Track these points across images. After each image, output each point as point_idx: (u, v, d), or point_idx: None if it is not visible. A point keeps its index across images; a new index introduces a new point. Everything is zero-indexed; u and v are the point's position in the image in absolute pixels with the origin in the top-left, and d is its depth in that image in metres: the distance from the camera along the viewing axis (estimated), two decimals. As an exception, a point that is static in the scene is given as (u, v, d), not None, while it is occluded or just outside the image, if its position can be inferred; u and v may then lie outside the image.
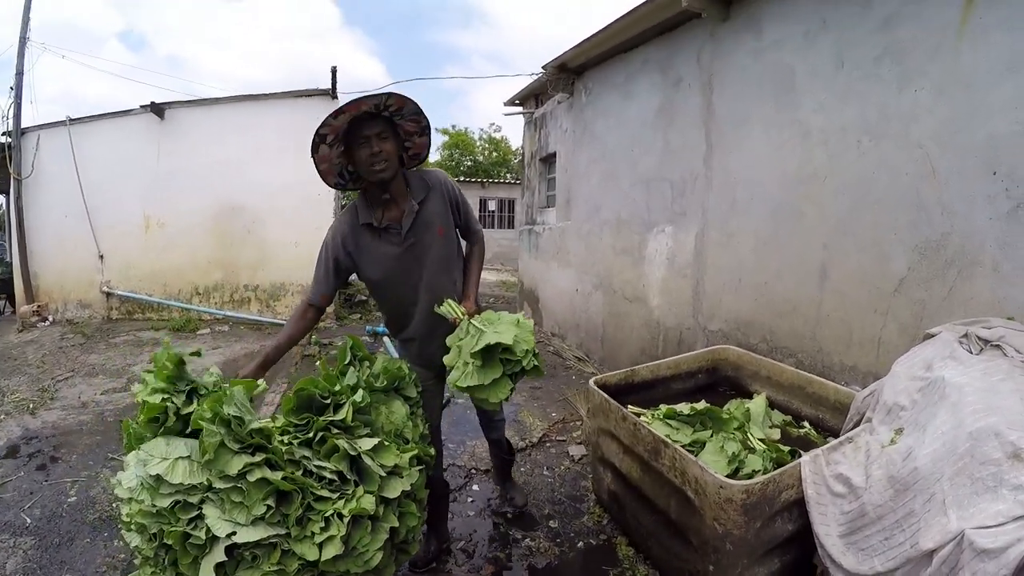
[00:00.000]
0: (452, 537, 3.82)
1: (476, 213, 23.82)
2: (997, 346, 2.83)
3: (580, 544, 3.81)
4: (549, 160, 9.97)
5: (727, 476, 2.92)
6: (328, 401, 2.59)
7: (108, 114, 10.11)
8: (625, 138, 6.76)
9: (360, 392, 2.65)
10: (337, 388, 2.63)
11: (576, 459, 4.94)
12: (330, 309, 10.55)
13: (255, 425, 2.35)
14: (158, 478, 2.17)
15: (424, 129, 2.97)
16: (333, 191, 10.41)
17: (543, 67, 8.19)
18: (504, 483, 4.27)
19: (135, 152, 10.07)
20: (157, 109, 9.84)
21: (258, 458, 2.27)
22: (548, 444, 5.29)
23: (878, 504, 2.49)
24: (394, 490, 2.53)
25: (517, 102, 11.57)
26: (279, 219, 10.38)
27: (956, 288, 3.28)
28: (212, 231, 10.36)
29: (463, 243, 3.34)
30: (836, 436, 3.53)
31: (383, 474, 2.52)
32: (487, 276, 19.82)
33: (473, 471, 4.78)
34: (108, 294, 10.29)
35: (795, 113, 4.31)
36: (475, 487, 4.54)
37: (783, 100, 4.42)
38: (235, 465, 2.22)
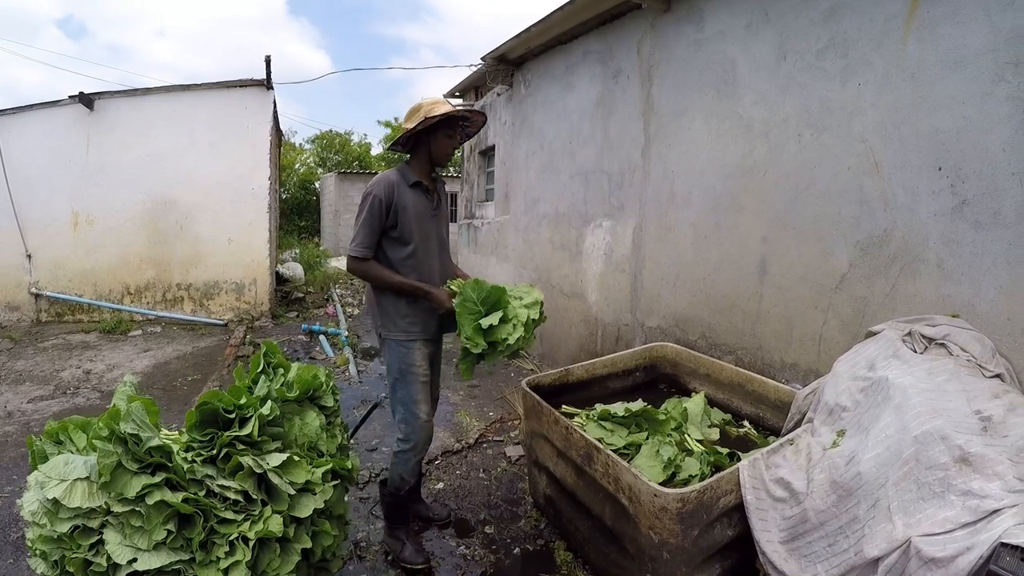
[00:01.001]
0: (382, 548, 3.71)
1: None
2: (942, 344, 2.78)
3: (517, 550, 3.71)
4: (488, 153, 9.85)
5: (663, 482, 2.83)
6: (233, 415, 2.44)
7: (35, 105, 9.45)
8: (564, 130, 6.65)
9: (268, 404, 2.50)
10: (243, 401, 2.48)
11: (513, 460, 4.83)
12: (265, 307, 10.42)
13: (154, 443, 2.22)
14: (56, 502, 2.08)
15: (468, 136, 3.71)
16: (268, 186, 10.21)
17: (482, 58, 8.02)
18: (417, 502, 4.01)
19: (64, 146, 9.55)
20: (86, 100, 9.32)
21: (158, 478, 2.17)
22: (485, 445, 5.17)
23: (820, 510, 2.41)
24: (305, 509, 2.43)
25: (457, 94, 11.40)
26: (212, 215, 10.04)
27: (899, 285, 3.22)
28: (144, 227, 9.89)
29: None
30: (777, 435, 3.48)
31: (292, 492, 2.41)
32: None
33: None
34: (37, 296, 9.69)
35: (736, 105, 4.22)
36: None
37: (724, 92, 4.34)
38: (133, 487, 2.12)
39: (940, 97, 3.00)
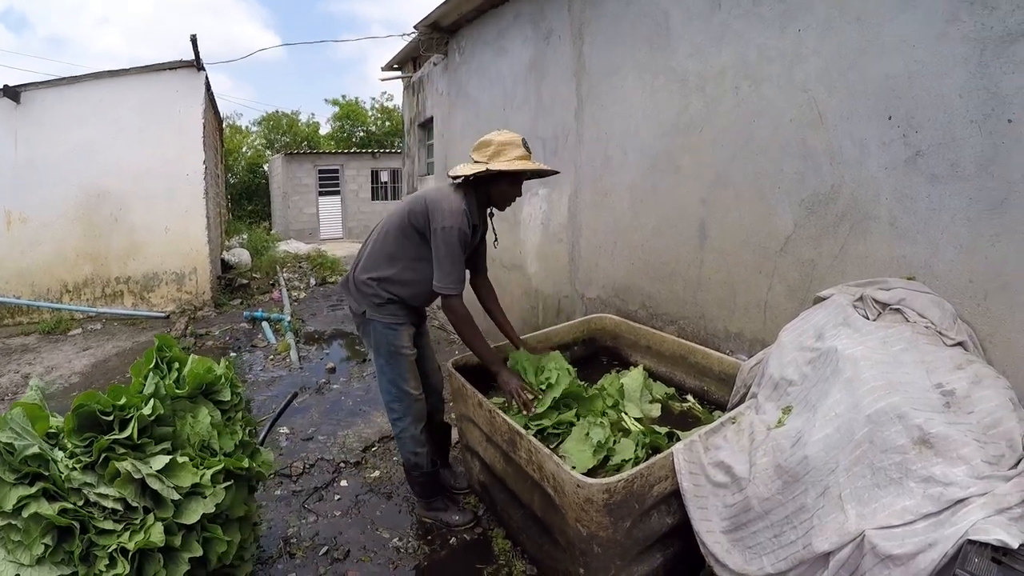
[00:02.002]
0: (318, 540, 3.56)
1: (369, 186, 23.38)
2: (897, 310, 2.50)
3: (452, 540, 3.52)
4: (427, 126, 9.58)
5: (592, 469, 2.64)
6: (111, 417, 2.30)
7: None
8: (498, 97, 6.34)
9: (151, 403, 2.35)
10: (122, 401, 2.33)
11: (453, 443, 4.48)
12: (207, 296, 10.13)
13: (31, 451, 2.11)
14: None
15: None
16: (203, 171, 9.86)
17: (415, 26, 7.69)
18: (449, 464, 4.16)
19: None
20: (11, 93, 8.79)
21: (35, 488, 2.07)
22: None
23: (764, 497, 2.13)
24: (192, 514, 2.28)
25: (396, 66, 10.97)
26: (147, 204, 9.65)
27: (849, 245, 2.92)
28: (78, 221, 9.41)
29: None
30: (723, 410, 3.25)
31: (177, 497, 2.26)
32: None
33: (343, 465, 4.41)
34: None
35: (670, 59, 3.91)
36: (343, 483, 4.18)
37: (657, 46, 4.01)
38: (9, 499, 2.04)
39: (889, 40, 2.68)
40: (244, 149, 30.10)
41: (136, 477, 2.19)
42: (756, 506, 2.14)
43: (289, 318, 8.86)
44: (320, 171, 23.36)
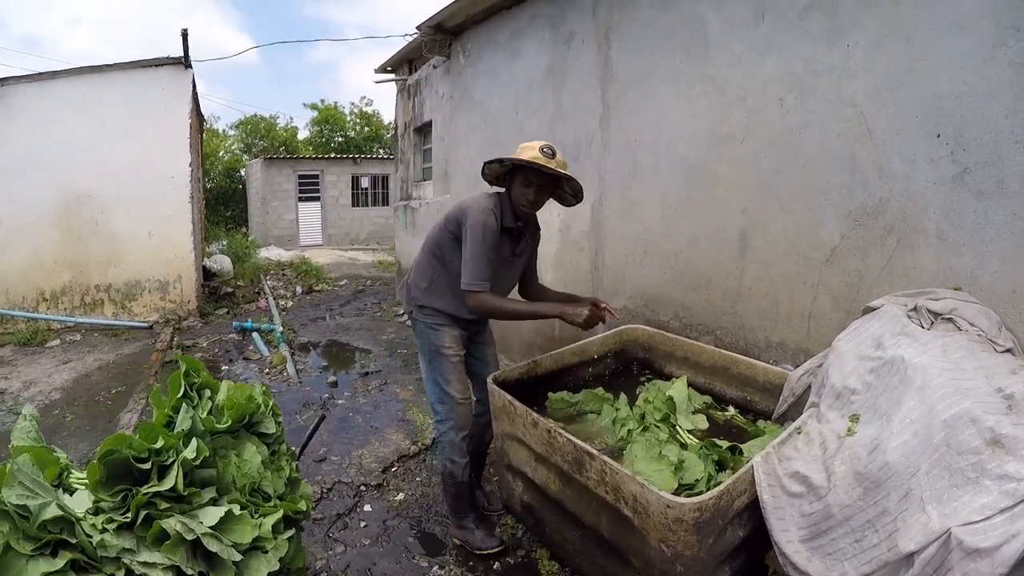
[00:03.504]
0: (351, 573, 3.45)
1: (349, 191, 23.44)
2: (949, 319, 2.67)
3: (496, 564, 3.46)
4: (424, 130, 9.61)
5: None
6: (148, 465, 1.99)
7: None
8: (509, 101, 6.43)
9: (193, 444, 2.06)
10: (159, 444, 2.03)
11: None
12: (192, 306, 9.99)
13: (50, 513, 1.78)
14: None
15: (578, 193, 3.54)
16: (189, 174, 9.72)
17: (417, 27, 7.78)
18: (480, 485, 4.17)
19: None
20: None
21: (60, 561, 1.74)
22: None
23: (845, 504, 2.27)
24: (257, 574, 2.04)
25: (389, 69, 11.04)
26: (129, 207, 9.48)
27: (896, 257, 3.09)
28: (56, 225, 9.19)
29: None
30: (766, 418, 3.38)
31: (237, 557, 1.99)
32: (363, 257, 19.36)
33: (363, 488, 4.32)
34: None
35: (708, 68, 4.05)
36: (367, 507, 4.08)
37: (694, 54, 4.16)
38: None
39: (937, 61, 2.88)
40: (221, 153, 29.96)
41: (189, 538, 1.92)
42: (837, 513, 2.27)
43: (281, 329, 8.80)
44: (300, 176, 23.36)
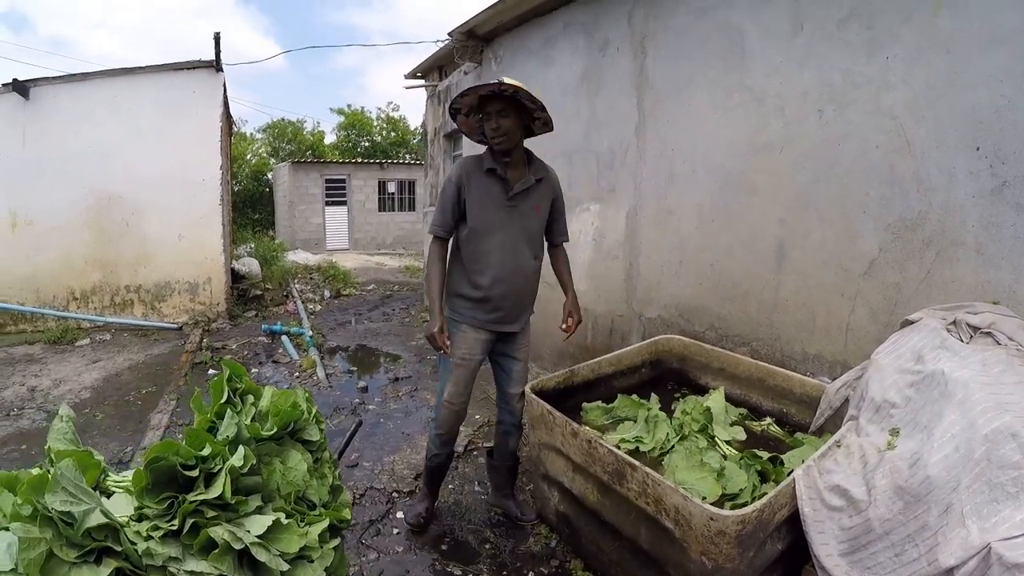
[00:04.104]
0: None
1: (376, 196, 23.45)
2: (988, 333, 2.70)
3: (530, 574, 3.50)
4: (455, 136, 9.66)
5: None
6: (196, 472, 1.98)
7: None
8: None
9: (240, 451, 2.07)
10: (206, 451, 2.03)
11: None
12: (221, 308, 10.10)
13: (94, 520, 1.74)
14: None
15: (543, 108, 3.39)
16: (220, 177, 9.84)
17: (449, 33, 7.84)
18: (511, 495, 4.13)
19: None
20: (20, 88, 8.71)
21: (106, 569, 1.72)
22: (475, 453, 4.95)
23: (886, 518, 2.30)
24: None
25: (419, 75, 11.12)
26: (161, 210, 9.61)
27: (935, 270, 3.13)
28: (88, 226, 9.32)
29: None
30: (803, 431, 3.42)
31: (285, 567, 1.98)
32: (389, 262, 19.43)
33: (395, 495, 4.34)
34: None
35: (745, 77, 4.10)
36: (399, 514, 4.10)
37: (731, 63, 4.21)
38: None
39: (977, 74, 2.92)
40: (248, 156, 30.35)
41: (237, 547, 1.90)
42: (877, 527, 2.30)
43: (311, 333, 8.87)
44: (327, 181, 23.66)
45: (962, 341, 2.70)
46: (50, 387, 6.80)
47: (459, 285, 3.58)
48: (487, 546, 3.75)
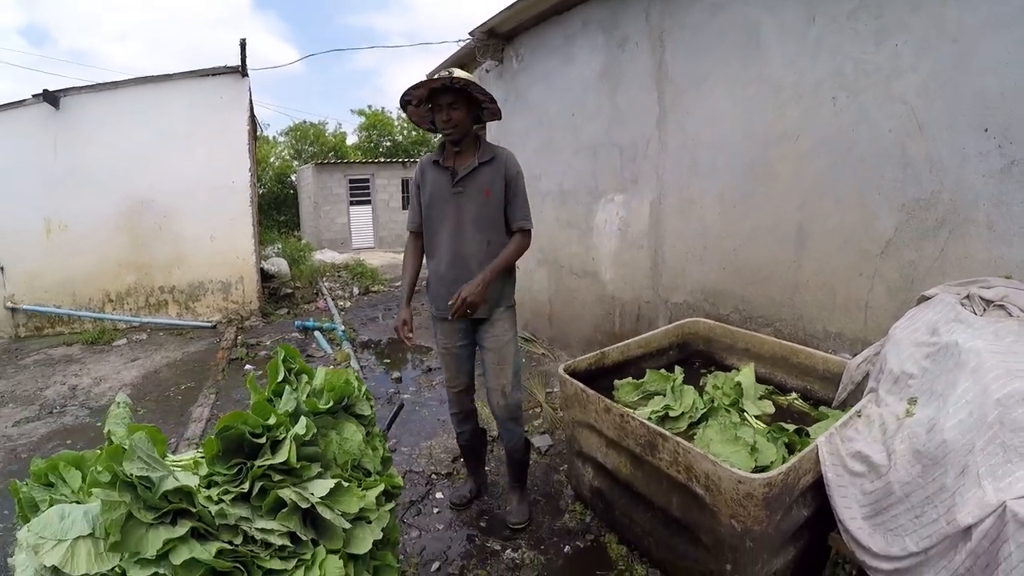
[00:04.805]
0: (427, 555, 3.64)
1: (400, 195, 23.51)
2: (1000, 306, 2.81)
3: (567, 548, 3.64)
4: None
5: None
6: (263, 439, 2.13)
7: None
8: (566, 104, 6.61)
9: (303, 421, 2.22)
10: (272, 420, 2.17)
11: (543, 451, 4.77)
12: (254, 306, 10.32)
13: (170, 484, 1.86)
14: (56, 570, 1.73)
15: (492, 100, 3.51)
16: (249, 180, 10.08)
17: (470, 33, 7.93)
18: (511, 492, 4.06)
19: (30, 148, 9.11)
20: (51, 98, 9.02)
21: (181, 529, 1.84)
22: None
23: (905, 481, 2.43)
24: (363, 543, 2.17)
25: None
26: (192, 212, 9.85)
27: (948, 248, 3.26)
28: (121, 230, 9.67)
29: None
30: (827, 405, 3.52)
31: (347, 525, 2.13)
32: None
33: (434, 476, 4.53)
34: (13, 310, 9.40)
35: (763, 69, 4.22)
36: (439, 495, 4.28)
37: (748, 56, 4.33)
38: (152, 543, 1.78)
39: (984, 59, 3.05)
40: (272, 159, 30.66)
41: (304, 507, 2.04)
42: (897, 490, 2.44)
43: (343, 328, 9.06)
44: (351, 181, 23.88)
45: (975, 314, 2.82)
46: (90, 385, 7.05)
47: (429, 276, 3.73)
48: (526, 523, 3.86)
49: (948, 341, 2.67)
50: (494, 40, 7.88)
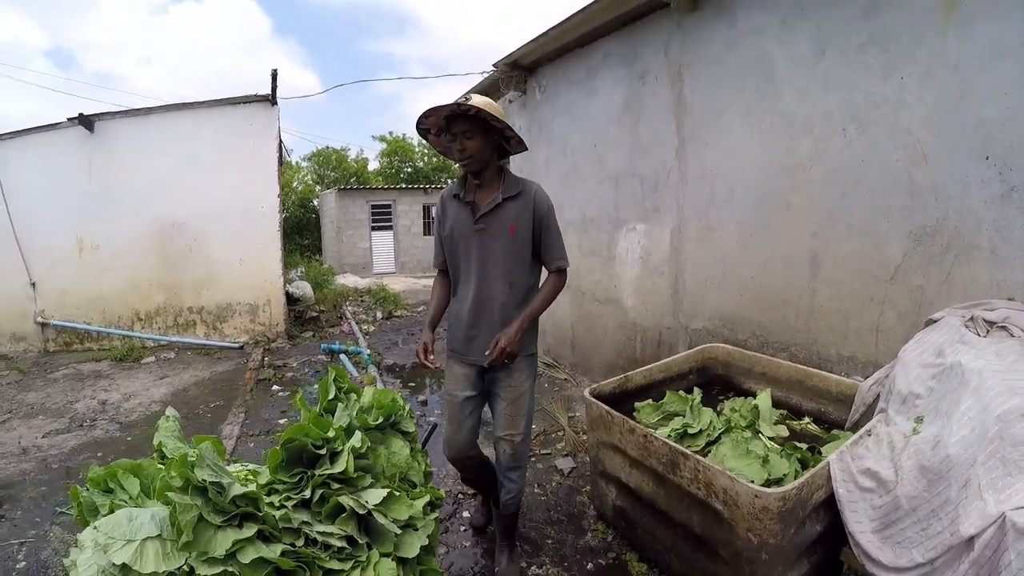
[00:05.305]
0: (454, 571, 3.75)
1: (421, 220, 23.83)
2: (1003, 327, 2.95)
3: (589, 565, 3.76)
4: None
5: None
6: (323, 451, 2.29)
7: (33, 129, 9.45)
8: (588, 135, 6.80)
9: (357, 435, 2.39)
10: (331, 433, 2.33)
11: (566, 473, 4.88)
12: (280, 328, 10.48)
13: (238, 490, 2.01)
14: (125, 568, 1.83)
15: (508, 128, 3.18)
16: (278, 205, 10.33)
17: (494, 65, 8.14)
18: (501, 550, 3.74)
19: (65, 169, 9.49)
20: (86, 122, 9.38)
21: (248, 531, 1.97)
22: (533, 459, 5.16)
23: (912, 496, 2.57)
24: (412, 548, 2.31)
25: (465, 103, 11.46)
26: (222, 236, 10.10)
27: (954, 272, 3.42)
28: (152, 251, 9.97)
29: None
30: (839, 428, 3.65)
31: (398, 531, 2.28)
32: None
33: (461, 496, 4.65)
34: (43, 324, 9.69)
35: (777, 102, 4.41)
36: (466, 513, 4.41)
37: (763, 89, 4.52)
38: (221, 544, 1.91)
39: (984, 89, 3.22)
40: (295, 184, 31.13)
41: (360, 513, 2.19)
42: (904, 504, 2.58)
43: (368, 351, 9.22)
44: (373, 206, 24.31)
45: (979, 335, 2.96)
46: (120, 400, 7.21)
47: (448, 314, 3.54)
48: (549, 541, 4.01)
49: (953, 362, 2.82)
50: (517, 71, 8.10)
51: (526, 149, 3.45)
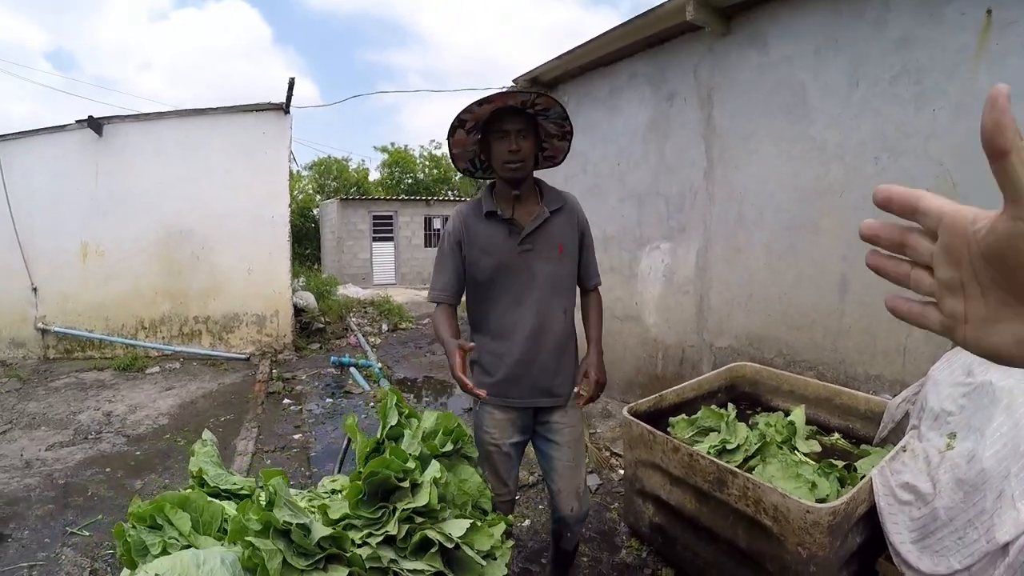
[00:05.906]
0: None
1: (422, 232, 24.06)
2: (1030, 346, 3.17)
3: None
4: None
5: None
6: (405, 483, 2.16)
7: (40, 130, 9.55)
8: (610, 153, 6.99)
9: (434, 464, 2.28)
10: (410, 464, 2.21)
11: (593, 490, 4.96)
12: (288, 340, 10.54)
13: (323, 531, 1.92)
14: None
15: (566, 134, 2.90)
16: (288, 215, 10.42)
17: (514, 80, 8.28)
18: None
19: (71, 172, 9.56)
20: (95, 124, 9.48)
21: (337, 574, 1.88)
22: None
23: (949, 507, 2.78)
24: None
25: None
26: (230, 244, 10.19)
27: (981, 295, 3.63)
28: (157, 258, 10.03)
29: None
30: (867, 443, 3.87)
31: (483, 564, 2.16)
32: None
33: None
34: (44, 331, 9.74)
35: (808, 128, 4.64)
36: None
37: (794, 115, 4.75)
38: None
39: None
40: (296, 193, 31.33)
41: (449, 547, 2.09)
42: (942, 515, 2.78)
43: (379, 365, 9.33)
44: (374, 217, 24.51)
45: (1007, 356, 3.20)
46: (126, 412, 7.22)
47: (476, 353, 2.94)
48: (584, 559, 4.07)
49: (983, 380, 3.04)
50: (538, 88, 8.23)
51: (560, 162, 3.10)
